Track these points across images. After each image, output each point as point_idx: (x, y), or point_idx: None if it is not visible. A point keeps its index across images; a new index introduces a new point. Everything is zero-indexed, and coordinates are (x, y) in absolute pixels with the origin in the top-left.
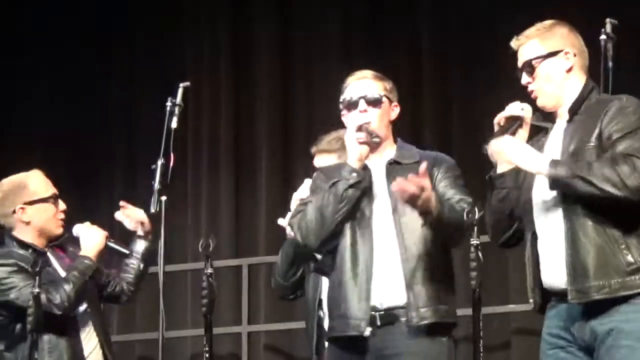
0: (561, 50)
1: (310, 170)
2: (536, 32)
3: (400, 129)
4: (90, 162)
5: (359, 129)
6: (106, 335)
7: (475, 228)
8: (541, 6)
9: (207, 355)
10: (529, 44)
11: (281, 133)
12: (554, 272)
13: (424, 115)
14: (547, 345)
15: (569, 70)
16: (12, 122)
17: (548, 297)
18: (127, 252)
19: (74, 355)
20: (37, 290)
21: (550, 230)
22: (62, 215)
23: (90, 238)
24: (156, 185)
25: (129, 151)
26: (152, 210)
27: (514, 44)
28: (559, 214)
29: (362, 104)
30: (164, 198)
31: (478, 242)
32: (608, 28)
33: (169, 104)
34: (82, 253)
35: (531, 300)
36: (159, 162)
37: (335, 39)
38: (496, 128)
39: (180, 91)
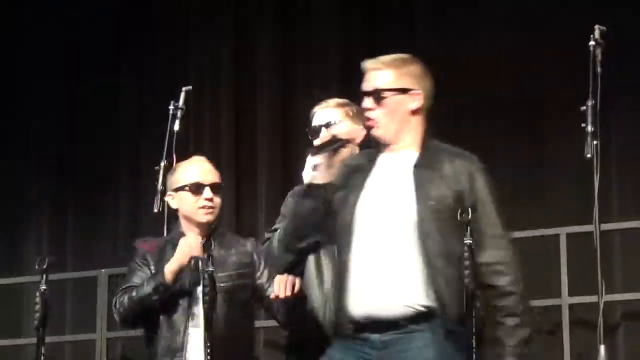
0: (412, 89)
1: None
2: (393, 63)
3: None
4: (96, 164)
5: (314, 168)
6: None
7: (469, 228)
8: (532, 14)
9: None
10: (385, 72)
11: (282, 136)
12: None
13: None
14: None
15: (415, 110)
16: (18, 125)
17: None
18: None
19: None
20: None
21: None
22: (204, 203)
23: (181, 250)
24: (159, 186)
25: (133, 153)
26: (155, 210)
27: (368, 65)
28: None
29: (324, 132)
30: (166, 198)
31: (471, 242)
32: (597, 34)
33: (171, 107)
34: (167, 264)
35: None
36: (162, 164)
37: (336, 44)
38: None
39: (182, 95)
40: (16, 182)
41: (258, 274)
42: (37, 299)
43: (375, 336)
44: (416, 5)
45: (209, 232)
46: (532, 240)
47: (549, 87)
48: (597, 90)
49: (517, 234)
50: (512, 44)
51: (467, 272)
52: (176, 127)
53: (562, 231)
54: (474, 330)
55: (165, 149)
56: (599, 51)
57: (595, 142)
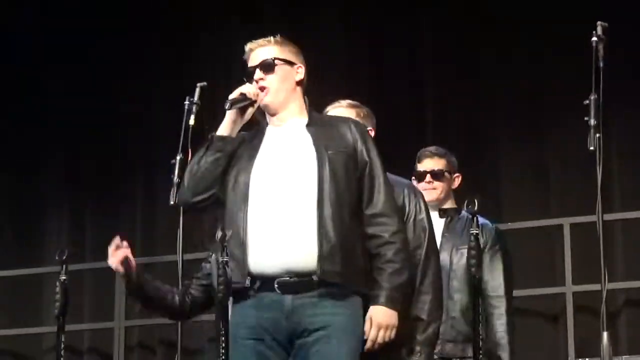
0: (296, 63)
1: None
2: (276, 40)
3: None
4: (113, 159)
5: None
6: None
7: (475, 218)
8: (535, 9)
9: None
10: (270, 47)
11: None
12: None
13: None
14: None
15: (299, 82)
16: (36, 121)
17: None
18: None
19: None
20: None
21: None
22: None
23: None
24: (175, 179)
25: (150, 148)
26: (172, 202)
27: (252, 45)
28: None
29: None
30: None
31: (477, 232)
32: (599, 30)
33: (187, 102)
34: None
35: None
36: (178, 157)
37: (344, 40)
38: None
39: (197, 90)
40: (36, 176)
41: None
42: (58, 289)
43: (285, 296)
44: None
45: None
46: (536, 230)
47: (553, 82)
48: (599, 85)
49: (522, 224)
50: (515, 39)
51: (473, 261)
52: (191, 121)
53: (566, 221)
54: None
55: (181, 143)
56: (601, 46)
57: (598, 135)
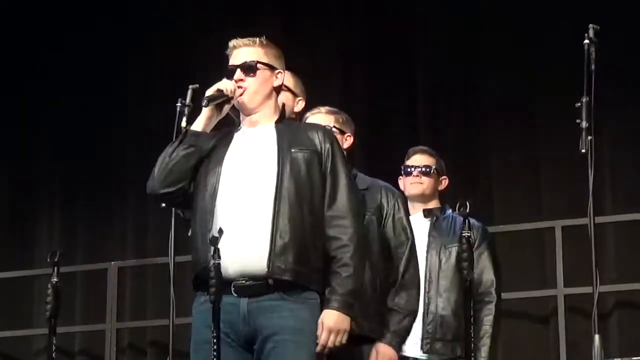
0: (277, 69)
1: None
2: (261, 42)
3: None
4: (105, 160)
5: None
6: None
7: (467, 221)
8: (527, 13)
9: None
10: (255, 49)
11: None
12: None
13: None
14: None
15: (276, 88)
16: (28, 121)
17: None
18: None
19: None
20: None
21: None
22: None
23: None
24: None
25: (142, 148)
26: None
27: (238, 42)
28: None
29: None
30: None
31: (469, 234)
32: (591, 33)
33: (179, 104)
34: None
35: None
36: None
37: (339, 43)
38: (209, 93)
39: (189, 92)
40: (27, 176)
41: None
42: (49, 291)
43: (242, 300)
44: (416, 6)
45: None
46: (528, 232)
47: (545, 84)
48: (591, 87)
49: (514, 227)
50: (507, 41)
51: (465, 263)
52: (183, 123)
53: (558, 224)
54: (471, 318)
55: None
56: (593, 49)
57: (589, 138)
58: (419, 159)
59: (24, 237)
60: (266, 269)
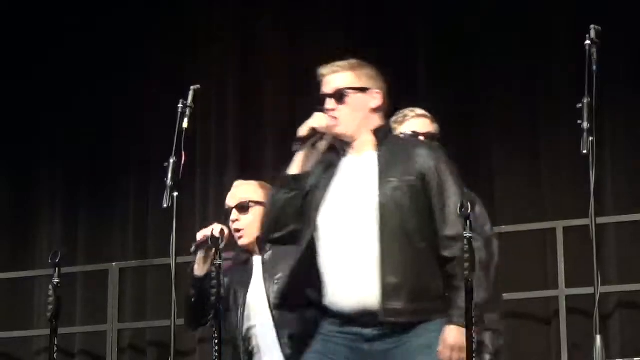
0: (371, 89)
1: None
2: (350, 65)
3: None
4: (106, 162)
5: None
6: None
7: (468, 222)
8: (529, 12)
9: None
10: (344, 74)
11: (286, 133)
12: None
13: None
14: None
15: (375, 109)
16: (29, 122)
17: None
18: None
19: None
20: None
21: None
22: (232, 227)
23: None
24: (168, 182)
25: (143, 151)
26: (165, 205)
27: (325, 70)
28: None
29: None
30: (175, 194)
31: (470, 235)
32: (592, 34)
33: (180, 105)
34: None
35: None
36: (171, 160)
37: (342, 42)
38: (302, 133)
39: (190, 93)
40: (28, 177)
41: None
42: (50, 292)
43: (368, 330)
44: (416, 8)
45: (260, 246)
46: (530, 233)
47: (546, 85)
48: (592, 88)
49: (516, 228)
50: (508, 42)
51: (467, 264)
52: (184, 124)
53: (559, 225)
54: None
55: (175, 146)
56: (594, 50)
57: (591, 139)
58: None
59: (25, 237)
60: (382, 313)
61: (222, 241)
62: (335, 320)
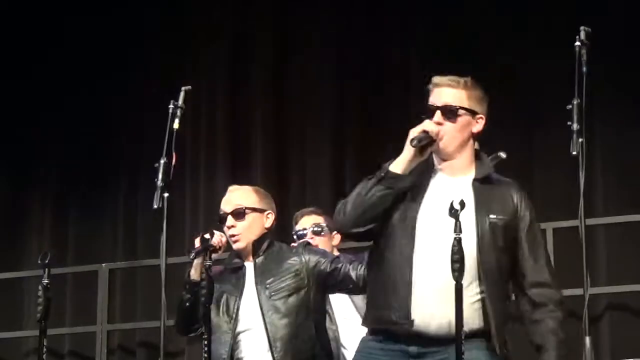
0: (479, 114)
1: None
2: (465, 84)
3: None
4: (96, 162)
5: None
6: None
7: (459, 223)
8: (519, 14)
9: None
10: (458, 91)
11: (275, 134)
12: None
13: None
14: None
15: (476, 133)
16: (21, 122)
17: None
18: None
19: None
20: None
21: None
22: (228, 233)
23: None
24: (159, 183)
25: (134, 150)
26: (155, 206)
27: (441, 80)
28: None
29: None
30: (166, 194)
31: (460, 237)
32: (582, 35)
33: (171, 106)
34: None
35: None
36: (162, 161)
37: (331, 49)
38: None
39: (182, 94)
40: (19, 179)
41: (321, 265)
42: (40, 293)
43: (413, 347)
44: (412, 10)
45: (254, 251)
46: None
47: (537, 86)
48: (582, 89)
49: None
50: (498, 44)
51: (457, 265)
52: (175, 125)
53: (549, 226)
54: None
55: (165, 147)
56: (584, 51)
57: (580, 140)
58: (307, 221)
59: (15, 238)
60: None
61: (217, 246)
62: (378, 337)
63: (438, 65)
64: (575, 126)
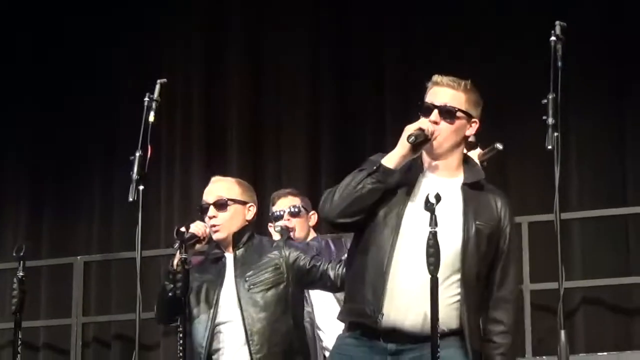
0: (474, 118)
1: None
2: (465, 86)
3: None
4: (71, 155)
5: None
6: None
7: (434, 217)
8: (494, 8)
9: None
10: (458, 93)
11: (251, 125)
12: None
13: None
14: None
15: (467, 137)
16: None
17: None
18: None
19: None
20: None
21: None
22: (209, 222)
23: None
24: (134, 176)
25: (108, 144)
26: (130, 199)
27: (442, 80)
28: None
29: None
30: (141, 187)
31: (436, 230)
32: (557, 30)
33: (146, 99)
34: None
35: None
36: (137, 154)
37: (304, 34)
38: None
39: (157, 87)
40: None
41: (300, 261)
42: (15, 285)
43: (391, 345)
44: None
45: (234, 242)
46: None
47: (511, 81)
48: (557, 84)
49: None
50: (473, 38)
51: (432, 259)
52: (151, 118)
53: (524, 220)
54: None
55: (140, 139)
56: (559, 46)
57: (556, 134)
58: (284, 202)
59: None
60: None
61: (202, 237)
62: (355, 334)
63: (413, 60)
64: (550, 120)
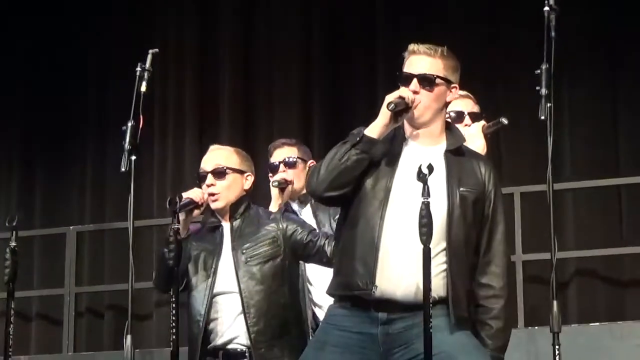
0: (453, 83)
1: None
2: (442, 53)
3: None
4: (64, 125)
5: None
6: None
7: (426, 187)
8: None
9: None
10: (436, 60)
11: (243, 95)
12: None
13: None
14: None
15: (448, 103)
16: None
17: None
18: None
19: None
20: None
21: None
22: (207, 191)
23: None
24: (126, 146)
25: (101, 114)
26: (123, 169)
27: (419, 48)
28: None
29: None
30: (133, 157)
31: (428, 200)
32: (551, 0)
33: (138, 69)
34: None
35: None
36: (129, 124)
37: (297, 7)
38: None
39: (149, 57)
40: None
41: (297, 235)
42: (7, 255)
43: (382, 314)
44: None
45: (231, 212)
46: None
47: (505, 51)
48: (551, 54)
49: None
50: (466, 8)
51: (424, 229)
52: (143, 88)
53: (517, 190)
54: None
55: (132, 110)
56: (553, 16)
57: (549, 105)
58: (280, 153)
59: None
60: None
61: (200, 202)
62: (346, 304)
63: (406, 29)
64: (543, 91)
